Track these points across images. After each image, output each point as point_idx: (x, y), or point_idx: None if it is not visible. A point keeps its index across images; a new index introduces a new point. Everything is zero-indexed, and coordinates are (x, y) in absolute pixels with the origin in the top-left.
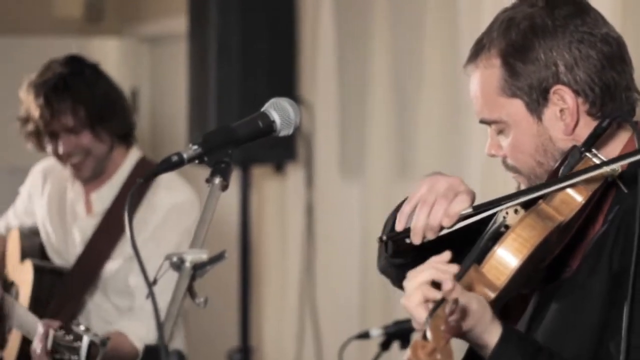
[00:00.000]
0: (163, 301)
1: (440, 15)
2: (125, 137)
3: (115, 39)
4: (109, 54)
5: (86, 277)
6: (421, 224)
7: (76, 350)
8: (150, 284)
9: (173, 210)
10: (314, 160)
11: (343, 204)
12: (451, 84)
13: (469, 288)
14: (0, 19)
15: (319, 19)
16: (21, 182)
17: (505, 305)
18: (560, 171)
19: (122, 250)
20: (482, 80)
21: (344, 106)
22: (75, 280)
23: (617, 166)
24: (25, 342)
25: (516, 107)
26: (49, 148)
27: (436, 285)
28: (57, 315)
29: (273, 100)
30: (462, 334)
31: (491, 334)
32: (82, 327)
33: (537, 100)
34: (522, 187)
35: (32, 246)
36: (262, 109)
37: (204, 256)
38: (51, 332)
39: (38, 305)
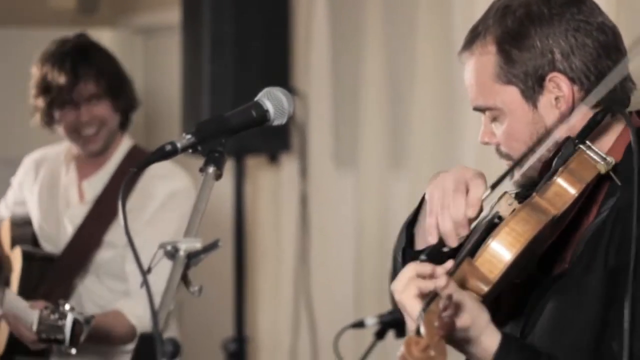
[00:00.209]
0: (159, 288)
1: (433, 4)
2: (126, 118)
3: (109, 30)
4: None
5: (76, 263)
6: (449, 226)
7: (61, 329)
8: (145, 272)
9: (171, 197)
10: (308, 151)
11: (337, 194)
12: (445, 75)
13: (463, 281)
14: None
15: (313, 10)
16: (14, 173)
17: (497, 296)
18: (554, 162)
19: (116, 237)
20: (477, 67)
21: (338, 97)
22: (65, 266)
23: (612, 159)
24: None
25: (511, 95)
26: (65, 118)
27: None
28: (47, 299)
29: (266, 90)
30: (457, 337)
31: (489, 337)
32: (67, 307)
33: (532, 88)
34: (516, 174)
35: (24, 235)
36: (256, 99)
37: (197, 245)
38: (37, 312)
39: (27, 291)
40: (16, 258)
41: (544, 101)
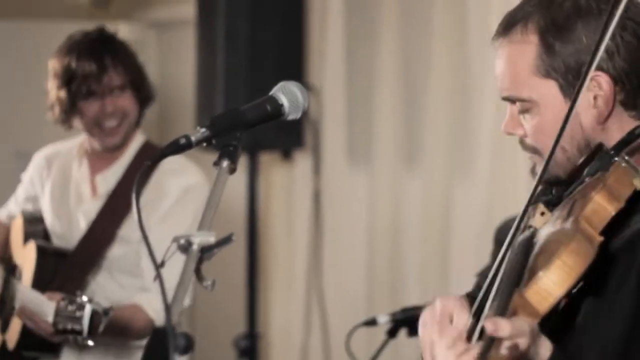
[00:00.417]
0: (173, 283)
1: (449, 1)
2: (142, 111)
3: (124, 24)
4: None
5: (89, 258)
6: None
7: (79, 320)
8: (158, 267)
9: (185, 192)
10: (321, 148)
11: (350, 191)
12: (459, 72)
13: (514, 314)
14: (9, 4)
15: (328, 6)
16: (27, 166)
17: None
18: (585, 171)
19: (129, 232)
20: (514, 56)
21: (352, 93)
22: (78, 261)
23: None
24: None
25: (549, 88)
26: (89, 108)
27: None
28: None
29: (281, 84)
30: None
31: (543, 347)
32: (84, 298)
33: (572, 84)
34: (538, 168)
35: (36, 231)
36: (271, 93)
37: (211, 238)
38: (54, 303)
39: (41, 285)
40: (30, 251)
41: (582, 99)
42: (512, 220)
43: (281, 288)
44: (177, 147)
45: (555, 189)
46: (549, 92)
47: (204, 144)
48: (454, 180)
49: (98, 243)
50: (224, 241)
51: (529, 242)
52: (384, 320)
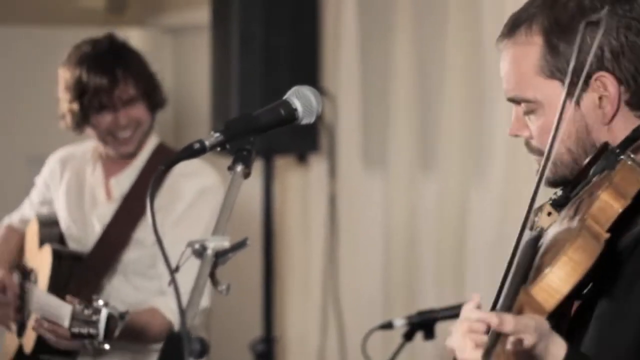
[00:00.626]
0: (189, 288)
1: (463, 4)
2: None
3: (138, 29)
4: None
5: (104, 262)
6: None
7: (95, 324)
8: (172, 271)
9: (200, 194)
10: (336, 151)
11: (366, 195)
12: (474, 75)
13: (519, 311)
14: (25, 10)
15: (342, 9)
16: (39, 171)
17: None
18: (591, 171)
19: (144, 235)
20: (518, 57)
21: (367, 97)
22: (93, 265)
23: None
24: None
25: (554, 89)
26: (102, 121)
27: None
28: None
29: (295, 89)
30: (528, 356)
31: (555, 344)
32: (100, 302)
33: (577, 85)
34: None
35: (51, 235)
36: (284, 97)
37: (226, 243)
38: (70, 307)
39: (57, 289)
40: (46, 255)
41: (587, 99)
42: None
43: (297, 292)
44: (191, 152)
45: (562, 190)
46: (553, 93)
47: (218, 149)
48: (470, 184)
49: (113, 246)
50: (239, 246)
51: (536, 242)
52: (400, 323)
